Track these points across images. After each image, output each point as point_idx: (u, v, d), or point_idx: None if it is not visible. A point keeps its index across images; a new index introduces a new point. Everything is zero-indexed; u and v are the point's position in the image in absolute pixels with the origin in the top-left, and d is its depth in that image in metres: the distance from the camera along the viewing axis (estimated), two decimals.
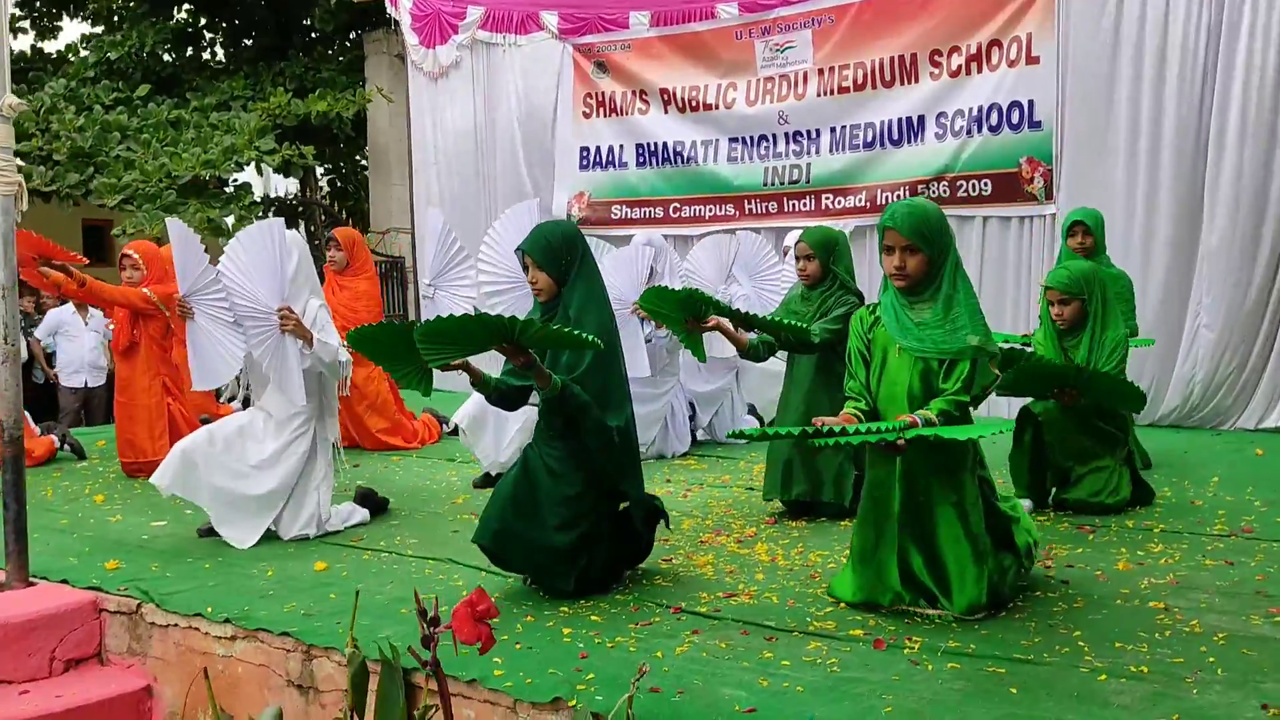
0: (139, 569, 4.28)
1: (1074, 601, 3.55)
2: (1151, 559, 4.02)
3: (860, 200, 8.31)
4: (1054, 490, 4.95)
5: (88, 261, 6.37)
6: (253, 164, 13.63)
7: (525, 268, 3.80)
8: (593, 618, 3.51)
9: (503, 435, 5.91)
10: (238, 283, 4.61)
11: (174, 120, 13.33)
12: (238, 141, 13.01)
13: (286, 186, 16.78)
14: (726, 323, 4.73)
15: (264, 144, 13.22)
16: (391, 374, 3.82)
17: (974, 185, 7.92)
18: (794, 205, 8.53)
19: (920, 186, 8.03)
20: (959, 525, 3.46)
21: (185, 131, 13.19)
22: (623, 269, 6.26)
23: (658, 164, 9.02)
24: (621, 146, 9.13)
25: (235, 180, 13.65)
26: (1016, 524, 3.69)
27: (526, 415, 5.56)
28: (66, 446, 7.07)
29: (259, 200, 13.89)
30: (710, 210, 8.85)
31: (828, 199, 8.40)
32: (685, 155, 8.89)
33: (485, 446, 5.89)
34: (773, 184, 8.59)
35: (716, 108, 8.83)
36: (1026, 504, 4.78)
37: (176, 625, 3.73)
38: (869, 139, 8.25)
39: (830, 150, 8.38)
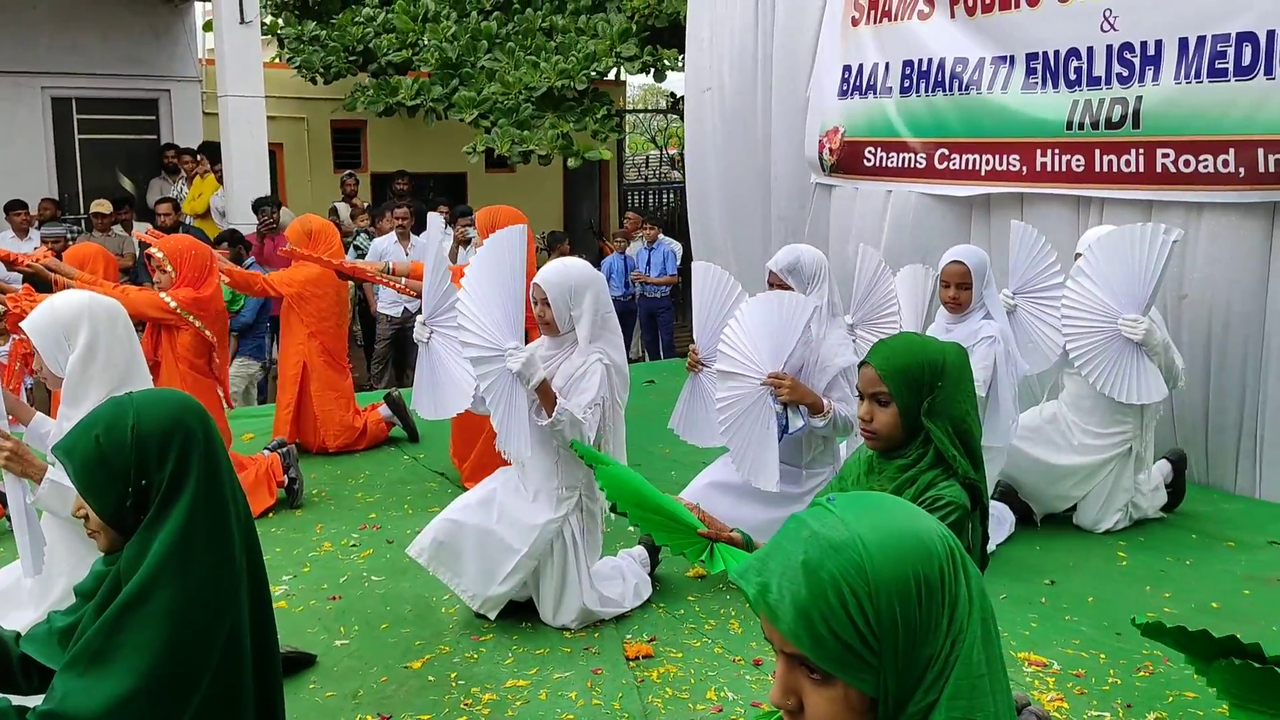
0: None
1: None
2: None
3: (1224, 164, 4.93)
4: None
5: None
6: (611, 72, 12.49)
7: None
8: None
9: (495, 560, 3.76)
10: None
11: (548, 28, 12.60)
12: (599, 47, 11.95)
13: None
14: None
15: (625, 49, 12.02)
16: None
17: None
18: (1110, 162, 5.36)
19: None
20: None
21: (554, 38, 12.41)
22: (761, 327, 3.92)
23: (927, 89, 6.20)
24: (887, 66, 6.40)
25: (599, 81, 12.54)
26: None
27: (537, 530, 3.72)
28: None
29: (613, 113, 12.63)
30: (988, 162, 5.91)
31: (1166, 157, 5.14)
32: (965, 78, 5.97)
33: (468, 578, 3.78)
34: (1082, 125, 5.45)
35: (1017, 6, 5.76)
36: None
37: None
38: (1246, 61, 4.82)
39: (1176, 76, 5.07)
